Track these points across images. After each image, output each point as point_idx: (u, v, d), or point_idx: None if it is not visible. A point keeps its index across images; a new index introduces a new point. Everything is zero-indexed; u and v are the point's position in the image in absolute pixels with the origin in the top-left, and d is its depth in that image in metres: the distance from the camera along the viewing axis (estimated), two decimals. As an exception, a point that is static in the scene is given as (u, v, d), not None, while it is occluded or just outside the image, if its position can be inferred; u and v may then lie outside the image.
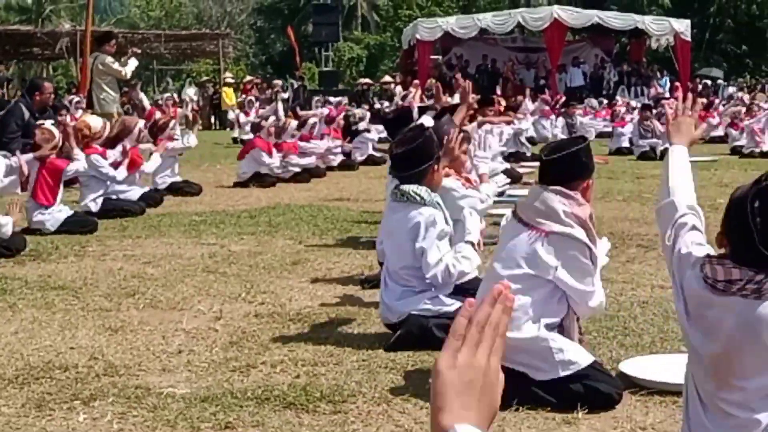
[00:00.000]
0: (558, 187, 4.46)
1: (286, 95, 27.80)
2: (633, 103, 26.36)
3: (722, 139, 22.79)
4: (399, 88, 28.03)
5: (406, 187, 5.67)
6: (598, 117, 25.99)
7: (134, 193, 11.51)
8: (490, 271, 4.77)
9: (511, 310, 1.15)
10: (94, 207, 10.52)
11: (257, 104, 26.02)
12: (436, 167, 5.82)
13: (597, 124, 24.73)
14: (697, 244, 3.37)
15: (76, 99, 19.23)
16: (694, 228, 3.48)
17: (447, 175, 6.43)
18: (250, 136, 18.04)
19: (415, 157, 5.77)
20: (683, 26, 31.55)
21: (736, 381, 3.27)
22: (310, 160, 16.08)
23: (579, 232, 4.45)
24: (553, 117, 24.27)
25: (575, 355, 4.48)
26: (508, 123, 16.91)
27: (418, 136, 5.81)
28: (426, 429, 4.01)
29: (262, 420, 4.35)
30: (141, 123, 13.21)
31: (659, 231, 3.76)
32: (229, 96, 30.81)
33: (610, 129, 23.56)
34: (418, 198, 5.58)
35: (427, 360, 5.33)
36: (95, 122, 11.85)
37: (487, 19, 31.65)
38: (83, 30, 19.53)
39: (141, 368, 5.12)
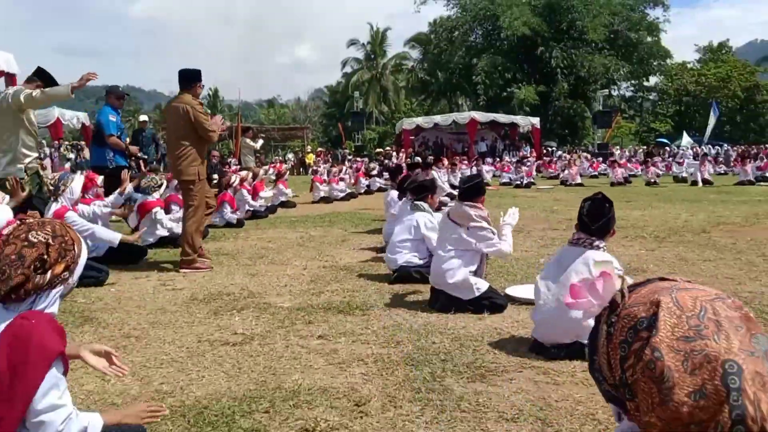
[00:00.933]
0: (469, 201, 4.37)
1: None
2: (511, 159, 26.19)
3: (557, 177, 22.45)
4: (394, 154, 28.08)
5: (418, 203, 5.64)
6: (495, 167, 25.80)
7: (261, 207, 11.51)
8: (436, 248, 4.76)
9: None
10: (241, 215, 10.45)
11: (323, 163, 25.95)
12: (430, 196, 5.80)
13: (491, 170, 24.57)
14: None
15: (234, 160, 19.43)
16: None
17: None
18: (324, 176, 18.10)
19: (421, 188, 5.84)
20: (536, 121, 31.49)
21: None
22: (349, 189, 15.92)
23: (484, 223, 4.36)
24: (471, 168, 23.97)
25: (482, 285, 4.38)
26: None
27: (427, 182, 6.10)
28: (409, 324, 4.01)
29: (327, 319, 4.34)
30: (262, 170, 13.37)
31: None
32: (309, 158, 31.29)
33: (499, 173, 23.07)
34: (423, 208, 5.56)
35: (408, 288, 5.28)
36: (243, 173, 11.97)
37: (438, 119, 31.63)
38: (236, 125, 19.92)
39: (267, 294, 5.10)
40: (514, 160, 24.86)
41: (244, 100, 67.54)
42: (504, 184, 20.93)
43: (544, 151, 32.77)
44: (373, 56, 53.60)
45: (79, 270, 1.89)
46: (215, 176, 13.43)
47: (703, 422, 0.90)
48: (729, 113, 47.43)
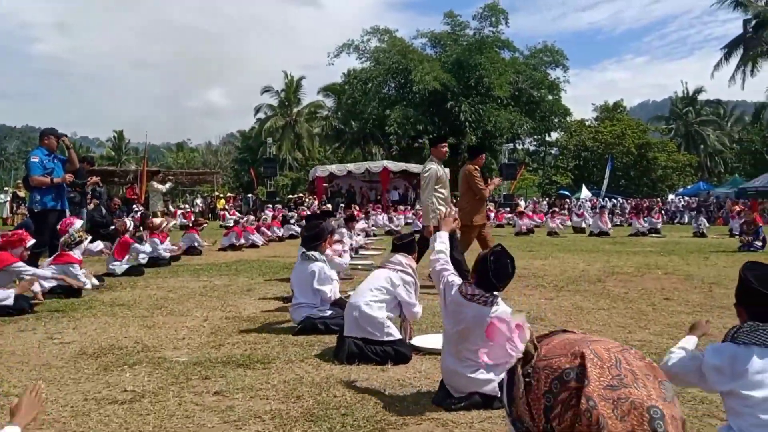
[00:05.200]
0: (403, 253, 4.71)
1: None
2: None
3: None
4: (307, 200, 27.99)
5: (310, 253, 5.55)
6: (406, 214, 26.17)
7: (165, 254, 10.98)
8: (361, 289, 4.76)
9: None
10: (143, 261, 10.02)
11: (233, 208, 25.43)
12: (322, 243, 5.73)
13: (403, 218, 24.90)
14: (455, 276, 3.67)
15: (138, 206, 18.70)
16: (452, 273, 3.72)
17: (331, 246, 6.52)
18: (231, 224, 17.57)
19: (315, 237, 5.67)
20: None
21: (470, 345, 3.34)
22: (260, 237, 15.61)
23: (411, 273, 4.56)
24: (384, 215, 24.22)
25: (395, 332, 4.48)
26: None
27: (317, 227, 5.87)
28: (311, 378, 3.93)
29: (225, 373, 4.17)
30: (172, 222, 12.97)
31: (434, 279, 3.85)
32: (220, 203, 30.51)
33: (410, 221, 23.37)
34: (315, 258, 5.51)
35: (313, 340, 5.18)
36: (158, 221, 11.50)
37: (351, 166, 31.95)
38: (142, 169, 19.17)
39: (163, 347, 4.87)
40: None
41: (152, 143, 65.72)
42: (416, 232, 21.26)
43: (454, 201, 33.62)
44: (287, 103, 53.77)
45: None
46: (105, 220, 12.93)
47: None
48: (623, 168, 50.72)
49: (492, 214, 26.52)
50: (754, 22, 39.47)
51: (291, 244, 15.89)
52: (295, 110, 53.85)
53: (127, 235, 9.96)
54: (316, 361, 4.54)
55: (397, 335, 4.56)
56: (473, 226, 8.54)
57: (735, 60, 41.21)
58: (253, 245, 15.16)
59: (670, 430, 0.97)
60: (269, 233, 17.03)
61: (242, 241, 14.91)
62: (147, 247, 10.51)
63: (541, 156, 56.70)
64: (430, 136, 39.69)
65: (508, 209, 28.78)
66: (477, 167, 8.70)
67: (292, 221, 19.17)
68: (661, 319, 6.12)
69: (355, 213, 17.35)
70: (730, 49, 41.76)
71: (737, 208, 16.90)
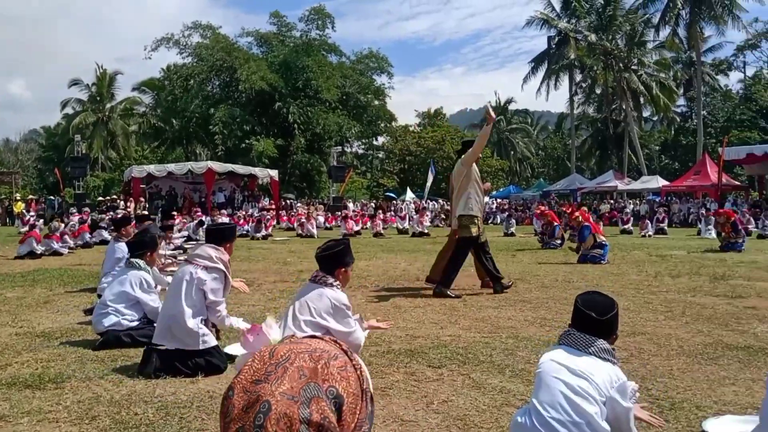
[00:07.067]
0: (211, 245, 4.42)
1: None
2: (253, 211, 26.34)
3: (293, 228, 23.01)
4: (122, 203, 26.20)
5: (134, 260, 5.29)
6: (231, 218, 25.56)
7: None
8: (171, 295, 4.41)
9: None
10: None
11: (34, 213, 23.09)
12: (149, 253, 5.42)
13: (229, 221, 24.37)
14: None
15: None
16: None
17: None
18: (26, 229, 15.96)
19: (141, 244, 5.49)
20: (275, 173, 32.18)
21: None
22: (69, 243, 14.34)
23: (221, 267, 4.39)
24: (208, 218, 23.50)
25: (211, 340, 4.30)
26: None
27: (147, 238, 5.65)
28: (110, 396, 3.65)
29: (9, 396, 3.80)
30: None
31: None
32: (18, 206, 27.46)
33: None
34: (140, 266, 5.16)
35: (116, 354, 4.85)
36: None
37: (172, 167, 30.41)
38: None
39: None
40: (257, 215, 24.92)
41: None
42: (242, 235, 20.75)
43: (283, 203, 33.55)
44: (99, 98, 50.02)
45: None
46: None
47: None
48: (445, 172, 53.78)
49: (321, 218, 26.77)
50: (557, 39, 44.06)
51: (101, 250, 14.76)
52: (108, 106, 50.40)
53: None
54: (118, 377, 4.23)
55: (213, 341, 4.34)
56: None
57: (541, 73, 45.77)
58: (56, 253, 13.85)
59: (269, 424, 1.08)
60: (71, 243, 15.60)
61: (42, 248, 13.57)
62: None
63: (369, 159, 58.37)
64: (258, 136, 39.25)
65: (338, 212, 29.23)
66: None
67: (103, 225, 17.83)
68: (471, 314, 6.54)
69: (175, 219, 16.49)
70: (536, 63, 46.22)
71: (540, 209, 18.69)
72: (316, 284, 3.62)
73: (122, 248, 6.82)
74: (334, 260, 3.66)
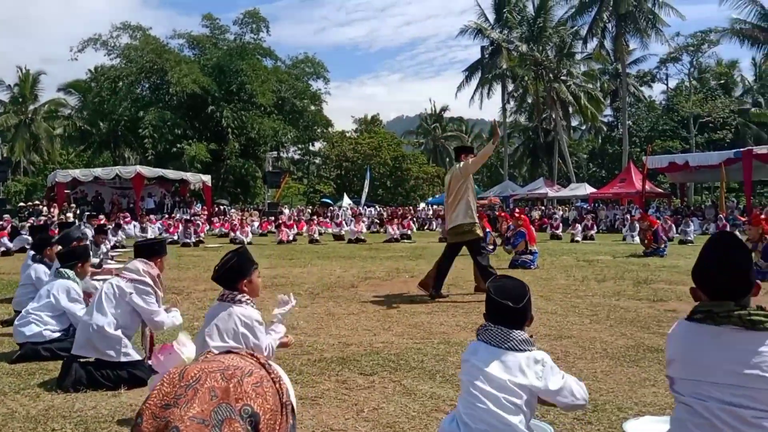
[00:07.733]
0: (141, 259, 4.33)
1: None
2: (183, 217, 25.73)
3: (227, 235, 22.57)
4: (45, 209, 25.16)
5: (63, 270, 5.14)
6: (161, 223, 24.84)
7: None
8: (95, 306, 4.28)
9: None
10: None
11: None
12: (81, 264, 5.27)
13: (159, 227, 23.66)
14: None
15: None
16: None
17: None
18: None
19: (71, 254, 5.36)
20: (207, 178, 31.67)
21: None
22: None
23: (147, 280, 4.26)
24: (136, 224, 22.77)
25: (134, 354, 4.21)
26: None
27: (79, 249, 5.56)
28: (26, 411, 3.49)
29: None
30: None
31: None
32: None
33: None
34: (68, 275, 5.14)
35: (34, 367, 4.66)
36: None
37: (99, 171, 29.49)
38: None
39: None
40: (185, 217, 24.32)
41: None
42: (172, 242, 20.14)
43: (217, 209, 32.92)
44: (21, 99, 47.79)
45: None
46: None
47: None
48: (381, 178, 54.14)
49: (256, 223, 26.39)
50: (490, 49, 45.12)
51: (21, 258, 14.07)
52: (31, 107, 48.16)
53: None
54: (35, 392, 4.05)
55: (135, 356, 4.23)
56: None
57: (475, 82, 46.71)
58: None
59: None
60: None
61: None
62: None
63: (305, 165, 58.05)
64: (190, 141, 38.38)
65: (273, 218, 28.86)
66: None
67: (23, 232, 17.06)
68: (404, 320, 6.59)
69: (101, 221, 15.97)
70: (470, 72, 47.14)
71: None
72: (225, 302, 3.30)
73: (39, 270, 6.42)
74: (232, 275, 3.34)
